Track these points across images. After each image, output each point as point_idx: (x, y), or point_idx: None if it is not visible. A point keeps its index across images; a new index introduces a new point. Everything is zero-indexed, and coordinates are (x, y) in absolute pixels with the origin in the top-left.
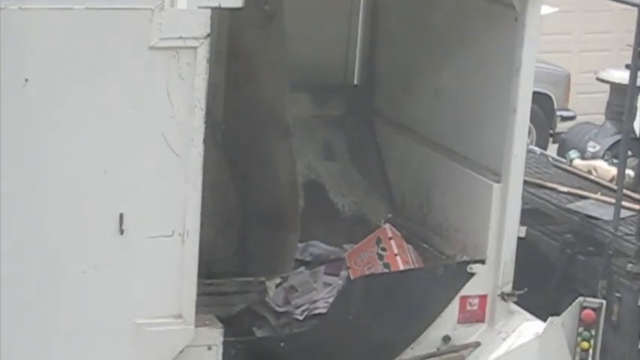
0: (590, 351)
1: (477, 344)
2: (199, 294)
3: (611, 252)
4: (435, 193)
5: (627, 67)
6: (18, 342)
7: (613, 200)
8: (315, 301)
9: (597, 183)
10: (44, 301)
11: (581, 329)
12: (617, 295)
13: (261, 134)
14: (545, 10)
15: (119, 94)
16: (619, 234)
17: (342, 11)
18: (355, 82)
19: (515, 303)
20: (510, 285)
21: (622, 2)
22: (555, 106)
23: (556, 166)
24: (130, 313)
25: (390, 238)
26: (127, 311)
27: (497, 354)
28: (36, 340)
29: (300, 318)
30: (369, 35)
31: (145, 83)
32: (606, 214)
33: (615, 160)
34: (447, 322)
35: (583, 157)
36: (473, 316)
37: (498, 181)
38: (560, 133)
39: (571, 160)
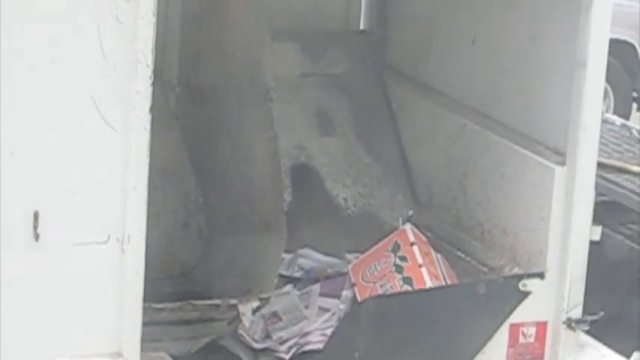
0: None
1: None
2: (146, 324)
3: None
4: (473, 180)
5: None
6: None
7: None
8: (307, 334)
9: None
10: None
11: None
12: None
13: (231, 100)
14: None
15: (32, 44)
16: None
17: None
18: (362, 27)
19: (587, 332)
20: (580, 308)
21: None
22: None
23: None
24: (49, 350)
25: (412, 244)
26: (44, 348)
27: None
28: None
29: (286, 357)
30: None
31: (68, 29)
32: None
33: None
34: None
35: None
36: (528, 351)
37: (562, 163)
38: None
39: None
